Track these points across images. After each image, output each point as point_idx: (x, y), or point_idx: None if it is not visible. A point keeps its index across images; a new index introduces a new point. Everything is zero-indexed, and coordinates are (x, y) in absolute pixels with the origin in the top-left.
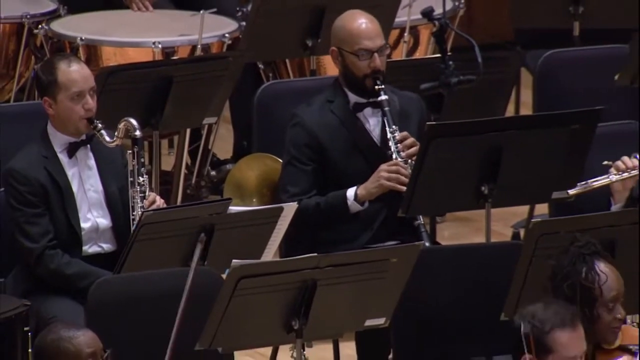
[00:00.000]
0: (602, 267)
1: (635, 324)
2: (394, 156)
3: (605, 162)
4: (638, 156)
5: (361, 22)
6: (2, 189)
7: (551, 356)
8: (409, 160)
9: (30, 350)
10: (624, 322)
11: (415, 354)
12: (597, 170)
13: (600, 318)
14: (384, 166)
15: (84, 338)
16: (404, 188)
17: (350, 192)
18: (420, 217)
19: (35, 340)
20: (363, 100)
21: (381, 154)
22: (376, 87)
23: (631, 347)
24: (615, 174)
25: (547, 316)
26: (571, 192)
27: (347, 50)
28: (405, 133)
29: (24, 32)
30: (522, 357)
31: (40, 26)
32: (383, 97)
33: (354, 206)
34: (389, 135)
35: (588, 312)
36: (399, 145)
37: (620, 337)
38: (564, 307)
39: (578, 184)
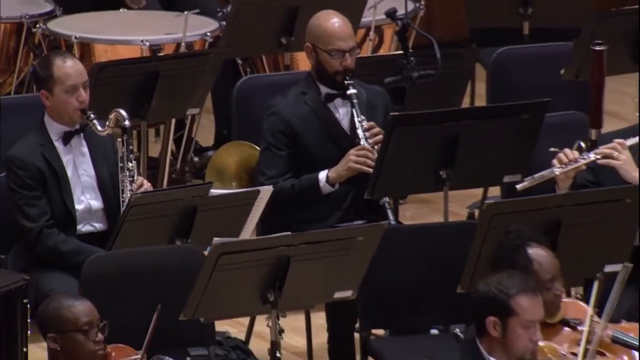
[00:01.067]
0: (535, 253)
1: (579, 295)
2: (362, 142)
3: (552, 149)
4: (582, 144)
5: (336, 23)
6: (3, 174)
7: (513, 319)
8: (375, 147)
9: (29, 320)
10: (568, 295)
11: (379, 324)
12: (545, 156)
13: (541, 297)
14: (352, 151)
15: (82, 307)
16: (371, 170)
17: (322, 175)
18: (386, 199)
19: (39, 308)
20: (334, 92)
21: (350, 140)
22: (345, 82)
23: (572, 321)
24: (558, 167)
25: (512, 283)
26: (519, 187)
27: (321, 48)
28: (372, 123)
29: (23, 31)
30: (486, 319)
31: (38, 25)
32: (352, 90)
33: (325, 188)
34: (357, 124)
35: None
36: (366, 133)
37: (562, 311)
38: (527, 276)
39: (525, 179)
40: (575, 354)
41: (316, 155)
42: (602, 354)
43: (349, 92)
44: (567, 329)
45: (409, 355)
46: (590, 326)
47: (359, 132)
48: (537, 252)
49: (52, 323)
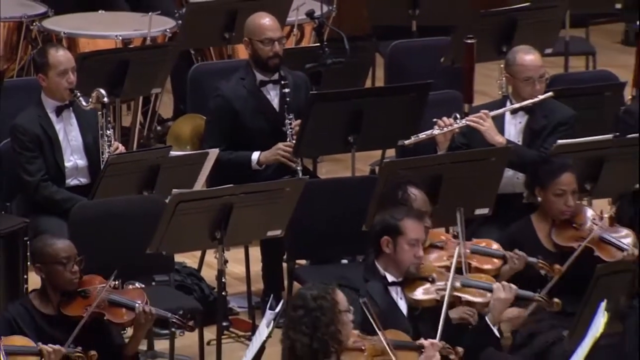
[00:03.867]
0: (412, 191)
1: (456, 232)
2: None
3: (434, 119)
4: (458, 115)
5: (266, 19)
6: (7, 140)
7: (401, 237)
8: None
9: (28, 254)
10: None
11: (302, 255)
12: (430, 124)
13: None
14: (281, 145)
15: (61, 245)
16: (293, 165)
17: (255, 156)
18: (299, 165)
19: (30, 246)
20: (267, 79)
21: (278, 117)
22: (274, 63)
23: (437, 243)
24: (438, 129)
25: (400, 211)
26: (406, 142)
27: (256, 39)
28: (298, 122)
29: (23, 28)
30: (381, 240)
31: (34, 23)
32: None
33: (255, 166)
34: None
35: None
36: (291, 126)
37: (428, 239)
38: (411, 208)
39: (412, 136)
40: (446, 267)
41: (251, 129)
42: (469, 265)
43: (281, 79)
44: (435, 250)
45: (325, 279)
46: (457, 248)
47: (286, 114)
48: (414, 191)
49: (38, 256)
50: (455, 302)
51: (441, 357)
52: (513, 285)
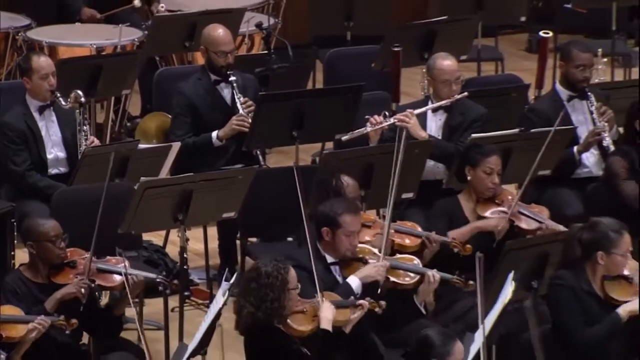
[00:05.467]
0: (345, 178)
1: (383, 216)
2: (240, 111)
3: (366, 117)
4: (387, 113)
5: (221, 33)
6: None
7: (339, 230)
8: (249, 114)
9: (15, 233)
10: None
11: (253, 234)
12: (363, 121)
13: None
14: (234, 118)
15: (50, 225)
16: (246, 130)
17: (214, 134)
18: (257, 150)
19: (22, 225)
20: (220, 79)
21: (230, 110)
22: (228, 73)
23: (367, 223)
24: (370, 127)
25: (340, 206)
26: (343, 138)
27: (211, 50)
28: (246, 98)
29: (10, 37)
30: (322, 229)
31: (20, 34)
32: (232, 78)
33: (216, 142)
34: (237, 100)
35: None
36: (243, 105)
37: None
38: (350, 201)
39: (348, 133)
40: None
41: (208, 121)
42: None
43: (230, 79)
44: (365, 229)
45: (273, 255)
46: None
47: (238, 104)
48: (346, 179)
49: (30, 235)
50: (386, 281)
51: (368, 310)
52: (437, 275)
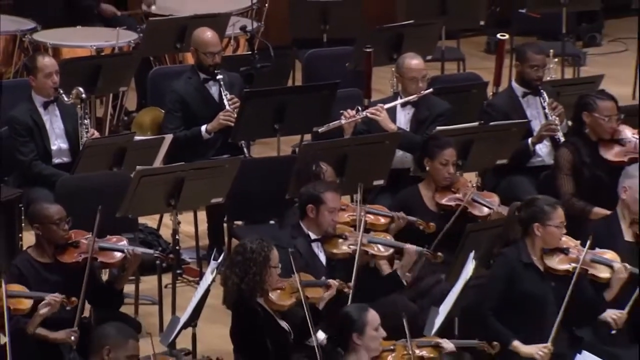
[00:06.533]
0: (323, 165)
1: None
2: (226, 107)
3: (341, 111)
4: (360, 107)
5: (209, 35)
6: (4, 128)
7: (322, 206)
8: (235, 110)
9: (22, 217)
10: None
11: (238, 217)
12: (338, 115)
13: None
14: (221, 113)
15: (55, 209)
16: (232, 124)
17: (203, 127)
18: (243, 142)
19: (29, 209)
20: (209, 77)
21: (218, 106)
22: (215, 72)
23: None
24: (344, 119)
25: (322, 185)
26: (320, 130)
27: (201, 51)
28: (233, 95)
29: (17, 39)
30: (307, 206)
31: (26, 36)
32: (220, 76)
33: (205, 135)
34: (224, 96)
35: None
36: (229, 101)
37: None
38: (329, 182)
39: (324, 125)
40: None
41: (198, 116)
42: (366, 222)
43: (218, 77)
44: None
45: (257, 237)
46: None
47: (225, 101)
48: (324, 165)
49: (37, 218)
50: (364, 255)
51: (337, 292)
52: (412, 248)
